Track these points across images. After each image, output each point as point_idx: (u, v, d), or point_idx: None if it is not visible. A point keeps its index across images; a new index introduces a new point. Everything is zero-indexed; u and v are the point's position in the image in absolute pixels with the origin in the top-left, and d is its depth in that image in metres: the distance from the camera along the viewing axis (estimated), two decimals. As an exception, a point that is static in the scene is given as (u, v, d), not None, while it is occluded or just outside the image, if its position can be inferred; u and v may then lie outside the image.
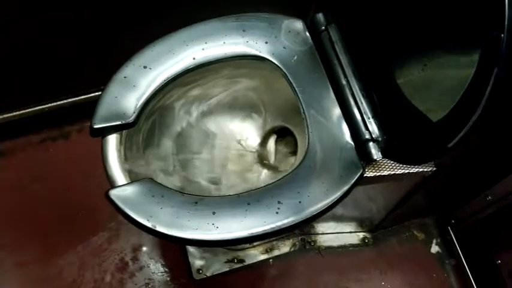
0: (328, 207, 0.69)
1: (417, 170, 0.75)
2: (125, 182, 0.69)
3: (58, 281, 1.08)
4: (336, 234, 1.14)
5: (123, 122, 0.72)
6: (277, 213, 0.68)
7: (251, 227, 0.67)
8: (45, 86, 1.10)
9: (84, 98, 1.12)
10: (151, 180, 0.70)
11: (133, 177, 0.71)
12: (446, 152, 0.61)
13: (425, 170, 0.75)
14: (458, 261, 1.12)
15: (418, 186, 0.83)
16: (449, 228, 1.13)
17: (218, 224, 0.67)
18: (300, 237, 1.13)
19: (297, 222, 0.68)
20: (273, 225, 0.67)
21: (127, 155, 0.74)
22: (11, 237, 1.11)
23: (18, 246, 1.11)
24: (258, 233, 0.67)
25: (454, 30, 0.61)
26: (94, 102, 0.73)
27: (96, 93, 1.11)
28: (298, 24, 0.80)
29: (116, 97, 0.73)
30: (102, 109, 0.72)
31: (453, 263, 1.14)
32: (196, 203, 0.68)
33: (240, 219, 0.67)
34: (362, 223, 1.13)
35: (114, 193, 0.68)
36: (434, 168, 0.75)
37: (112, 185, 0.70)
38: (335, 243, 1.14)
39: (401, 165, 0.75)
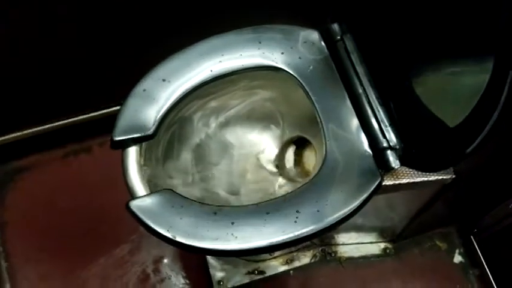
0: (346, 216, 0.69)
1: (436, 177, 0.75)
2: (145, 193, 0.70)
3: (81, 293, 1.10)
4: (357, 244, 1.13)
5: (143, 134, 0.73)
6: (295, 222, 0.68)
7: (270, 237, 0.67)
8: (66, 101, 1.13)
9: (104, 113, 1.14)
10: (171, 191, 0.71)
11: (153, 189, 0.72)
12: (464, 157, 0.61)
13: (444, 177, 0.75)
14: (482, 271, 1.11)
15: (438, 194, 0.82)
16: (472, 237, 1.11)
17: (237, 234, 0.67)
18: (320, 248, 1.12)
19: (316, 231, 0.68)
20: (291, 235, 0.67)
21: (147, 166, 0.75)
22: (35, 250, 1.13)
23: (42, 259, 1.13)
24: (277, 242, 0.67)
25: (468, 37, 0.61)
26: (114, 116, 0.74)
27: (116, 108, 1.13)
28: (314, 35, 0.80)
29: (135, 110, 0.74)
30: (122, 122, 0.73)
31: (477, 273, 1.12)
32: (215, 213, 0.69)
33: (258, 229, 0.68)
34: (383, 233, 1.12)
35: (134, 204, 0.69)
36: (454, 176, 0.75)
37: (132, 196, 0.71)
38: (356, 254, 1.13)
39: (420, 172, 0.74)
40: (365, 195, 0.70)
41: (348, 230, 1.10)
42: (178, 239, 0.67)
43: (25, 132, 1.14)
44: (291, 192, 0.71)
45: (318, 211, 0.69)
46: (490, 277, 1.08)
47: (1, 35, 0.90)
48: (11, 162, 1.20)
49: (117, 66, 1.06)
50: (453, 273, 1.13)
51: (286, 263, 1.11)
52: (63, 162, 1.20)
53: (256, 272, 1.10)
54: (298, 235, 0.67)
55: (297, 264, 1.11)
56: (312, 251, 1.13)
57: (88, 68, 1.05)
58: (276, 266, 1.11)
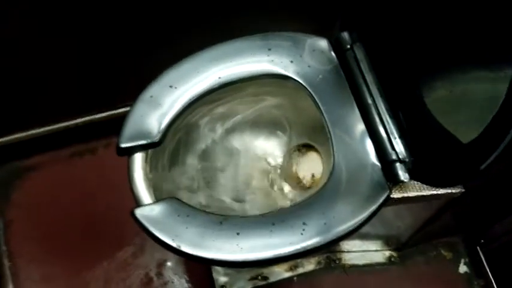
0: (353, 229, 0.68)
1: (445, 191, 0.74)
2: (151, 201, 0.70)
3: (84, 295, 1.09)
4: (362, 252, 1.12)
5: (149, 141, 0.72)
6: (302, 234, 0.67)
7: (275, 248, 0.67)
8: (72, 102, 1.12)
9: (110, 114, 1.14)
10: (177, 199, 0.70)
11: (158, 196, 0.71)
12: (477, 175, 0.60)
13: (453, 191, 0.74)
14: (488, 282, 1.10)
15: (446, 207, 0.82)
16: (478, 247, 1.10)
17: (242, 245, 0.66)
18: (325, 255, 1.12)
19: (322, 243, 0.67)
20: (297, 247, 0.67)
21: (152, 173, 0.75)
22: (39, 250, 1.13)
23: (46, 260, 1.12)
24: (282, 255, 0.67)
25: (483, 45, 0.60)
26: (120, 119, 0.74)
27: (122, 110, 1.13)
28: (323, 43, 0.80)
29: (141, 116, 0.73)
30: (129, 128, 0.72)
31: (482, 284, 1.11)
32: (221, 223, 0.68)
33: (264, 240, 0.67)
34: (388, 241, 1.11)
35: (139, 212, 0.68)
36: (463, 190, 0.74)
37: (138, 203, 0.70)
38: (360, 262, 1.12)
39: (428, 186, 0.73)
40: (373, 208, 0.69)
41: (353, 237, 1.09)
42: (184, 248, 0.67)
43: (31, 132, 1.13)
44: (297, 203, 0.71)
45: (325, 223, 0.68)
46: (495, 288, 1.08)
47: (4, 33, 0.90)
48: (17, 162, 1.19)
49: (125, 68, 1.05)
50: (458, 283, 1.12)
51: (290, 269, 1.10)
52: (69, 163, 1.20)
53: (259, 277, 1.10)
54: (304, 247, 0.67)
55: (301, 270, 1.11)
56: (316, 258, 1.12)
57: (95, 70, 1.04)
58: (280, 272, 1.11)
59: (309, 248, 0.67)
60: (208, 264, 1.03)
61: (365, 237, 1.10)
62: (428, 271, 1.12)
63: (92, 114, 1.14)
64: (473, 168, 0.59)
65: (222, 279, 1.09)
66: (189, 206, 0.70)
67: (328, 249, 1.11)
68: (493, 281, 1.08)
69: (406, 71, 0.73)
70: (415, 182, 0.73)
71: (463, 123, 0.64)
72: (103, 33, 0.97)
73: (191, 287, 1.11)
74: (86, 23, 0.94)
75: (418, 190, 0.73)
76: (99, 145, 1.21)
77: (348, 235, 0.68)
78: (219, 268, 1.09)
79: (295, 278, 1.10)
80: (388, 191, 0.70)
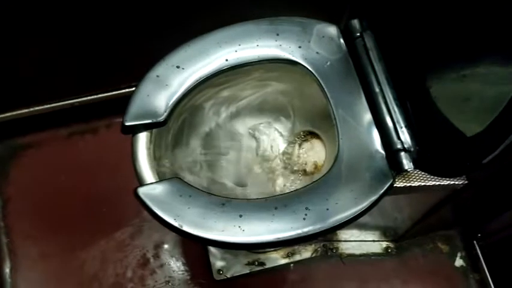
0: (355, 216, 0.68)
1: (448, 182, 0.74)
2: (153, 181, 0.70)
3: (80, 273, 1.09)
4: (359, 242, 1.13)
5: (154, 120, 0.72)
6: (304, 219, 0.68)
7: (277, 232, 0.67)
8: (75, 81, 1.12)
9: (113, 94, 1.13)
10: (179, 179, 0.70)
11: (161, 176, 0.71)
12: (480, 167, 0.60)
13: (456, 182, 0.74)
14: (483, 276, 1.10)
15: (447, 199, 0.82)
16: (474, 242, 1.11)
17: (244, 227, 0.67)
18: (322, 244, 1.12)
19: (323, 229, 0.68)
20: (299, 231, 0.67)
21: (156, 153, 0.75)
22: (36, 228, 1.13)
23: (43, 238, 1.12)
24: (284, 238, 0.67)
25: (496, 42, 0.60)
26: (123, 99, 0.74)
27: (126, 90, 1.12)
28: (332, 30, 0.79)
29: (148, 95, 0.73)
30: (134, 107, 0.72)
31: (477, 278, 1.11)
32: (223, 204, 0.68)
33: (266, 223, 0.67)
34: (386, 232, 1.12)
35: (142, 191, 0.68)
36: (466, 182, 0.74)
37: (140, 182, 0.70)
38: (357, 251, 1.13)
39: (432, 176, 0.73)
40: (376, 196, 0.69)
41: (350, 227, 1.10)
42: (185, 228, 0.66)
43: (31, 109, 1.13)
44: (300, 188, 0.71)
45: (327, 209, 0.68)
46: (491, 283, 1.08)
47: (7, 9, 0.89)
48: (16, 138, 1.19)
49: (130, 48, 1.04)
50: (453, 277, 1.12)
51: (287, 256, 1.11)
52: (68, 142, 1.20)
53: (256, 263, 1.10)
54: (306, 232, 0.67)
55: (297, 257, 1.11)
56: (313, 246, 1.12)
57: (100, 49, 1.04)
58: (277, 258, 1.11)
59: (310, 233, 0.67)
60: (209, 245, 1.03)
61: (363, 227, 1.10)
62: (424, 263, 1.13)
63: (94, 94, 1.14)
64: (476, 161, 0.59)
65: (219, 263, 1.09)
66: (192, 186, 0.70)
67: (326, 236, 1.11)
68: (488, 276, 1.09)
69: (415, 61, 0.72)
70: (419, 172, 0.73)
71: (469, 117, 0.64)
72: (108, 12, 0.96)
73: (187, 270, 1.11)
74: (92, 3, 0.93)
75: (422, 180, 0.73)
76: (101, 125, 1.21)
77: (350, 222, 0.68)
78: (216, 252, 1.10)
79: (291, 265, 1.11)
80: (392, 180, 0.70)
